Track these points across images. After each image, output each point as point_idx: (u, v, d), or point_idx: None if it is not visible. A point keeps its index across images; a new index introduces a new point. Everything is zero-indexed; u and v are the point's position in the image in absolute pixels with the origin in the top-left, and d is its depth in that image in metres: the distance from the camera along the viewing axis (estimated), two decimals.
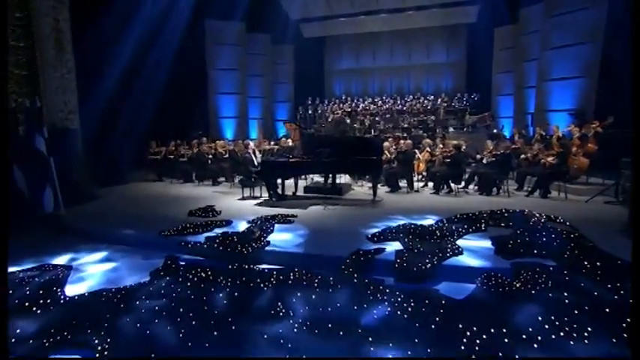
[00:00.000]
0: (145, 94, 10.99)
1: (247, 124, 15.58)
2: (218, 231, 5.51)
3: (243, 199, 7.72)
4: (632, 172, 4.23)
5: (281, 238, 5.18)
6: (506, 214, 5.94)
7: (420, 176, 9.43)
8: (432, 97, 16.44)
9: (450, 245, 4.69)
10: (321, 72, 18.91)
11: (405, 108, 16.21)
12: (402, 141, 10.09)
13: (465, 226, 5.36)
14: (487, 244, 4.74)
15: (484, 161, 8.35)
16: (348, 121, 13.20)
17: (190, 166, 10.14)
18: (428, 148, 9.67)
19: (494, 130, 12.52)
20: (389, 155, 8.24)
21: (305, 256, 4.72)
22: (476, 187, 8.44)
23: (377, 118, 14.97)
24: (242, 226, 5.78)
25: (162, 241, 5.29)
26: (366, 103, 16.91)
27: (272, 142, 11.74)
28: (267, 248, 4.90)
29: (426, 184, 8.96)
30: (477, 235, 5.16)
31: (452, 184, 8.08)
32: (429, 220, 5.81)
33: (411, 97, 16.88)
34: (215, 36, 14.42)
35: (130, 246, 5.30)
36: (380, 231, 5.33)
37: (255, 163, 7.74)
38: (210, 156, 9.82)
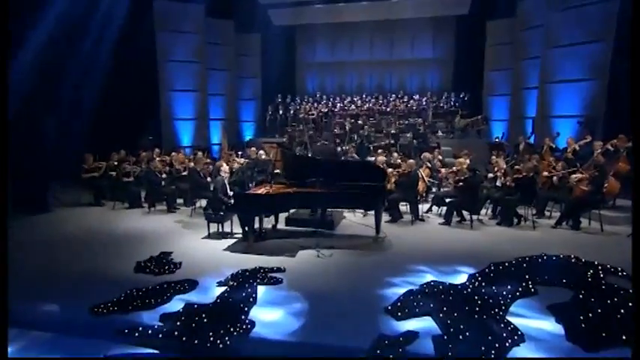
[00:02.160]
0: (78, 94, 9.28)
1: (208, 127, 14.10)
2: (178, 302, 4.20)
3: (209, 237, 6.38)
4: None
5: (268, 316, 3.96)
6: (550, 263, 5.04)
7: (421, 197, 8.46)
8: (417, 96, 15.65)
9: (503, 326, 3.67)
10: (292, 65, 17.72)
11: (388, 109, 15.30)
12: (397, 157, 9.14)
13: (510, 288, 4.37)
14: (548, 321, 3.76)
15: (498, 183, 7.48)
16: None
17: (138, 187, 8.60)
18: (428, 164, 8.75)
19: (496, 139, 11.81)
20: (391, 180, 7.16)
21: (305, 347, 3.55)
22: (489, 213, 7.59)
23: (359, 121, 13.90)
24: (211, 291, 4.49)
25: (97, 324, 3.90)
26: (345, 102, 15.90)
27: (239, 154, 10.41)
28: (250, 334, 3.68)
29: (430, 209, 7.99)
30: (528, 302, 4.17)
31: (464, 212, 7.15)
32: (458, 278, 4.76)
33: (393, 95, 16.01)
34: (167, 21, 12.75)
35: (45, 331, 3.88)
36: (402, 297, 4.25)
37: (228, 191, 6.40)
38: (164, 175, 8.32)
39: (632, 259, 2.77)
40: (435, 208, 7.97)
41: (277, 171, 7.41)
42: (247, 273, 4.90)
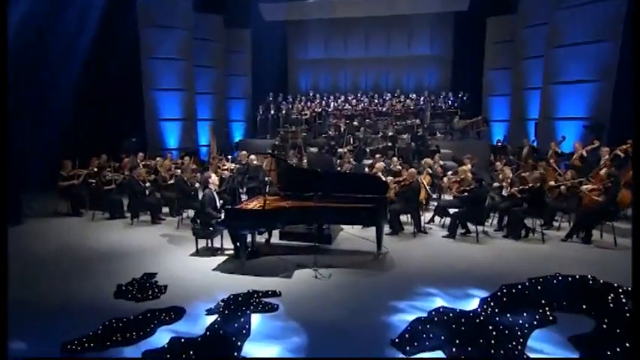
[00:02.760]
0: (55, 95, 8.84)
1: (195, 128, 13.73)
2: (163, 334, 3.87)
3: (198, 253, 6.04)
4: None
5: (263, 352, 3.64)
6: (566, 285, 4.80)
7: (422, 206, 8.20)
8: (415, 95, 15.46)
9: None
10: (283, 63, 17.52)
11: (384, 109, 15.08)
12: (396, 163, 8.89)
13: (526, 316, 4.11)
14: (571, 355, 3.51)
15: (504, 192, 7.25)
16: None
17: (120, 195, 8.21)
18: (429, 170, 8.50)
19: (498, 143, 11.61)
20: (391, 190, 6.88)
21: None
22: (494, 223, 7.36)
23: (355, 122, 13.62)
24: (201, 320, 4.16)
25: None
26: (339, 102, 15.66)
27: (229, 158, 10.09)
28: None
29: (432, 219, 7.73)
30: (547, 332, 3.91)
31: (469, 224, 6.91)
32: (469, 303, 4.49)
33: (389, 95, 15.81)
34: (151, 15, 12.31)
35: None
36: (409, 327, 3.98)
37: (217, 204, 6.07)
38: (149, 184, 7.94)
39: (632, 259, 2.68)
40: (437, 218, 7.72)
41: (268, 178, 7.06)
42: (240, 298, 4.58)
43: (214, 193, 6.09)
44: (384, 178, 7.92)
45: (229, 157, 10.55)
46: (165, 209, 8.29)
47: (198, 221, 5.98)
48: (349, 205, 5.62)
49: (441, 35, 16.35)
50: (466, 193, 6.78)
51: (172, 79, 12.75)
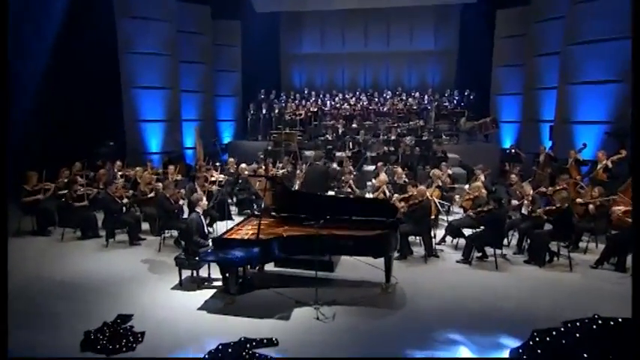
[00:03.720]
0: (18, 94, 8.18)
1: (181, 130, 13.22)
2: None
3: (181, 286, 5.49)
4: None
5: None
6: (608, 331, 4.32)
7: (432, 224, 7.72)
8: (418, 94, 15.02)
9: None
10: (276, 57, 17.06)
11: (385, 108, 14.62)
12: (401, 174, 8.41)
13: None
14: None
15: (524, 210, 6.79)
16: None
17: (94, 210, 7.63)
18: (439, 182, 8.03)
19: (511, 150, 11.14)
20: (399, 209, 6.37)
21: None
22: (513, 244, 6.89)
23: (354, 124, 13.18)
24: None
25: None
26: (336, 100, 15.19)
27: (218, 166, 9.57)
28: None
29: (443, 239, 7.26)
30: None
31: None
32: (499, 354, 4.01)
33: (390, 93, 15.37)
34: (129, 5, 11.71)
35: None
36: None
37: (206, 230, 5.53)
38: (126, 200, 7.36)
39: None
40: (448, 238, 7.24)
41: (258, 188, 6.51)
42: (230, 350, 4.05)
43: (202, 218, 5.54)
44: (388, 194, 7.49)
45: (218, 164, 9.98)
46: (146, 225, 7.72)
47: (182, 251, 5.42)
48: (355, 234, 5.10)
49: (445, 28, 15.96)
50: (483, 214, 6.29)
51: (154, 75, 12.16)
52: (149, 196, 7.66)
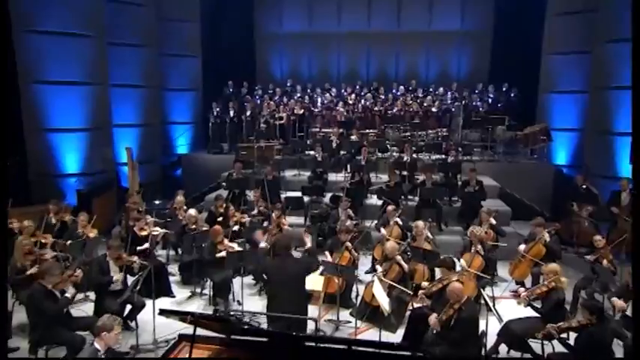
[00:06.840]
0: None
1: (112, 142, 11.30)
2: None
3: None
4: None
5: None
6: None
7: None
8: (442, 89, 13.91)
9: None
10: (249, 38, 15.89)
11: (394, 109, 13.17)
12: (422, 231, 6.69)
13: None
14: None
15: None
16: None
17: None
18: (479, 247, 6.14)
19: (582, 185, 9.11)
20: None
21: None
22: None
23: (352, 135, 11.66)
24: None
25: None
26: (329, 96, 14.07)
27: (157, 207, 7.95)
28: None
29: (496, 350, 5.30)
30: None
31: None
32: None
33: (402, 88, 14.26)
34: None
35: None
36: None
37: None
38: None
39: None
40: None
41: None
42: None
43: None
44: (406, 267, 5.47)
45: (158, 203, 8.09)
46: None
47: None
48: None
49: (476, 3, 14.86)
50: (573, 332, 4.30)
51: (70, 66, 10.13)
52: (29, 271, 5.55)
